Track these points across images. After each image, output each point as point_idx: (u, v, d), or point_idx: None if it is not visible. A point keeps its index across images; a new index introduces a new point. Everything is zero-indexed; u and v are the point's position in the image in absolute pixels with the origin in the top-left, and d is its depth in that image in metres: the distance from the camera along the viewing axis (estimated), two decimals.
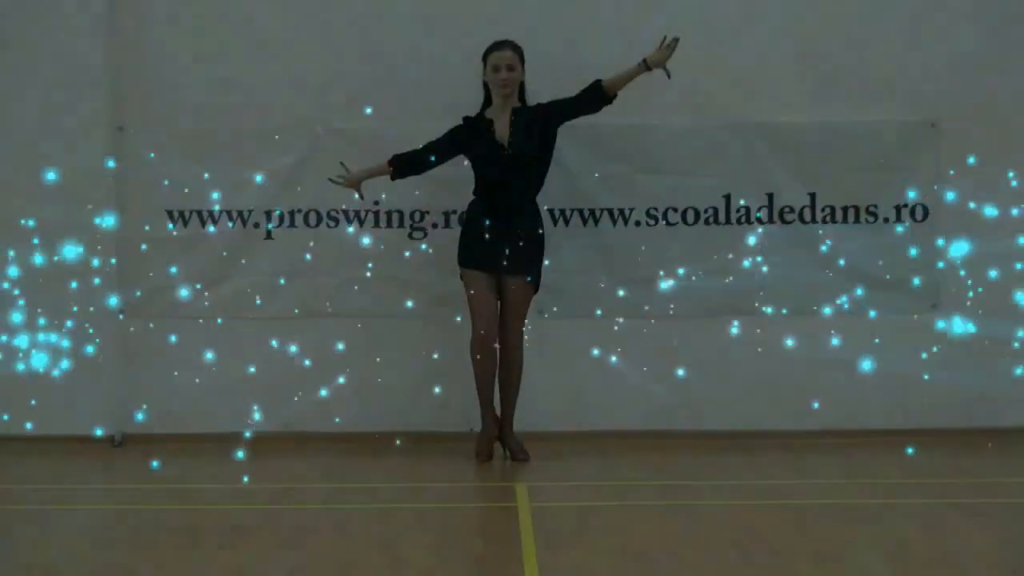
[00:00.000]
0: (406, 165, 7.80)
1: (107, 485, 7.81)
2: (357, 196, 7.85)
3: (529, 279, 7.79)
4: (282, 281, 8.69)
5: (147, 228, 8.67)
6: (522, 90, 7.78)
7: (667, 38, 7.58)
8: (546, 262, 8.00)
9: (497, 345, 7.81)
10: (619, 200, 8.62)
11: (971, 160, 8.68)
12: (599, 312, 8.39)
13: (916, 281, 8.73)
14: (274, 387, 8.73)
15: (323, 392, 8.72)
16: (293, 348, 8.74)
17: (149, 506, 7.29)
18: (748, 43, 8.62)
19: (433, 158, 7.77)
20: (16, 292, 8.56)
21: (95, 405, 8.67)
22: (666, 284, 8.72)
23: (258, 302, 8.70)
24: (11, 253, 8.55)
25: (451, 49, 8.20)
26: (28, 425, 8.63)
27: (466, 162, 7.96)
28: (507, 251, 7.68)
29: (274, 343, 8.73)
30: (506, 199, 7.73)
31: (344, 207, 8.58)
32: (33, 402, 8.61)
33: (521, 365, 7.91)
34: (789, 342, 8.74)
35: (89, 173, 8.60)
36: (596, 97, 7.65)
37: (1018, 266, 8.71)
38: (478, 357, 7.74)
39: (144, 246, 8.68)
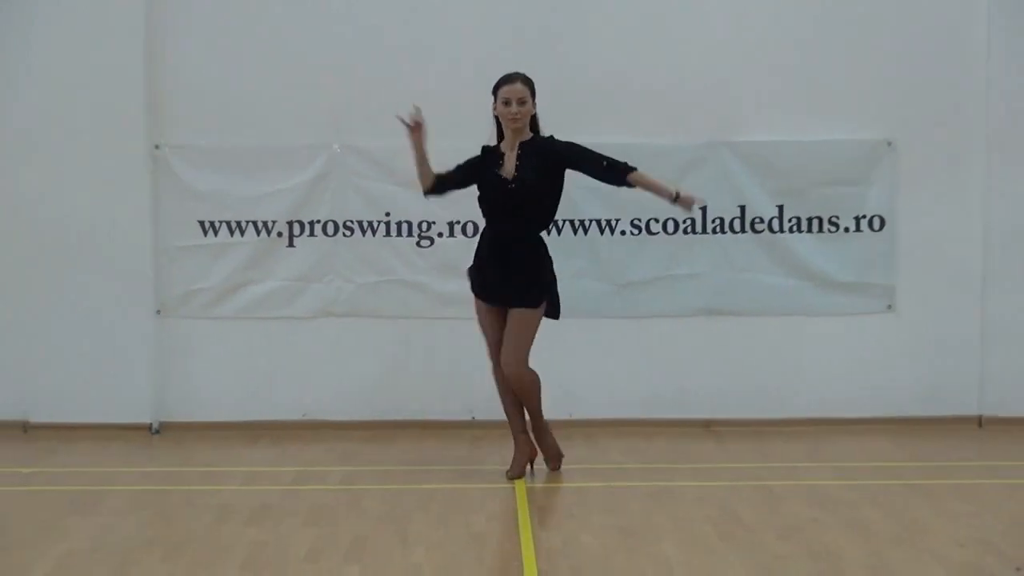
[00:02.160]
0: (434, 187, 7.11)
1: (146, 468, 7.79)
2: (409, 128, 6.90)
3: (524, 308, 6.96)
4: (302, 285, 8.70)
5: (181, 237, 8.69)
6: (535, 122, 7.02)
7: (700, 201, 7.16)
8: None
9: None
10: (606, 211, 8.63)
11: (923, 175, 8.70)
12: (589, 312, 8.38)
13: (874, 285, 8.75)
14: (294, 380, 8.76)
15: (338, 385, 8.73)
16: (312, 345, 8.75)
17: (183, 487, 7.30)
18: (722, 72, 8.64)
19: (451, 180, 7.13)
20: (63, 296, 8.56)
21: (134, 396, 8.67)
22: (649, 287, 8.73)
23: (281, 304, 8.72)
24: (60, 262, 8.56)
25: (461, 71, 8.19)
26: (75, 414, 8.64)
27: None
28: (500, 284, 7.01)
29: (295, 341, 8.74)
30: (507, 232, 6.99)
31: (359, 219, 8.60)
32: (78, 394, 8.63)
33: (528, 388, 7.02)
34: (760, 340, 8.75)
35: (129, 187, 8.61)
36: (619, 179, 7.00)
37: (966, 272, 8.71)
38: (499, 388, 7.17)
39: (178, 253, 8.71)
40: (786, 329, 8.75)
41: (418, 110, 6.84)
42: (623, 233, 8.70)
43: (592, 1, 8.59)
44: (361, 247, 8.68)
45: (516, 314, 6.93)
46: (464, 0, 8.43)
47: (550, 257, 7.10)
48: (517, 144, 6.91)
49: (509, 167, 6.89)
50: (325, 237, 8.68)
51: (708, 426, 8.73)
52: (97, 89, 8.53)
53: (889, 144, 8.70)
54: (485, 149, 7.09)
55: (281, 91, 8.65)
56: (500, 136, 7.02)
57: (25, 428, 8.69)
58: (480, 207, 7.10)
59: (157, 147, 8.66)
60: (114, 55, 8.52)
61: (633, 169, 6.93)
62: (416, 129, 6.88)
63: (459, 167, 7.11)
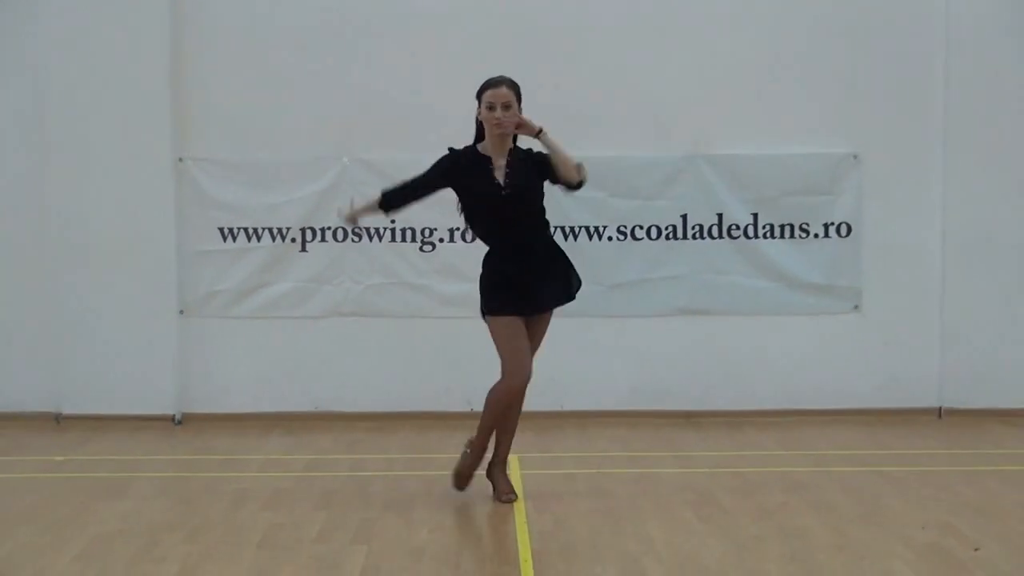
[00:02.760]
0: (393, 197, 6.18)
1: (169, 457, 7.79)
2: (352, 229, 6.92)
3: (563, 299, 6.22)
4: (314, 287, 8.70)
5: (202, 243, 8.68)
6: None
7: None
8: None
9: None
10: (595, 219, 8.64)
11: (886, 185, 8.70)
12: (578, 312, 8.37)
13: (841, 287, 8.75)
14: (306, 375, 8.75)
15: (347, 379, 8.72)
16: (323, 343, 8.73)
17: (204, 473, 7.29)
18: (702, 90, 8.65)
19: (415, 193, 6.17)
20: (93, 297, 8.55)
21: (159, 390, 8.65)
22: (633, 289, 8.73)
23: (294, 304, 8.72)
24: (91, 265, 8.56)
25: (459, 89, 8.17)
26: (104, 406, 8.62)
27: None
28: (535, 287, 6.04)
29: (307, 338, 8.73)
30: (519, 238, 6.01)
31: (366, 226, 8.58)
32: (107, 387, 8.61)
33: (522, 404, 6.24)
34: (736, 337, 8.75)
35: (155, 196, 8.61)
36: (570, 178, 6.03)
37: (926, 275, 8.72)
38: (503, 408, 6.08)
39: (200, 257, 8.70)
40: (760, 327, 8.75)
41: (349, 212, 6.41)
42: (610, 239, 8.71)
43: (583, 27, 8.58)
44: (368, 252, 8.68)
45: (547, 318, 6.19)
46: (461, 25, 8.42)
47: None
48: (505, 151, 5.99)
49: (499, 174, 5.96)
50: (335, 243, 8.67)
51: (689, 417, 8.71)
52: (126, 107, 8.53)
53: (855, 157, 8.71)
54: (456, 153, 6.08)
55: (294, 109, 8.65)
56: (478, 140, 6.06)
57: (58, 419, 8.67)
58: (472, 220, 6.16)
59: (181, 160, 8.65)
60: (141, 76, 8.52)
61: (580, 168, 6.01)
62: (350, 219, 6.46)
63: (428, 174, 6.10)
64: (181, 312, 8.71)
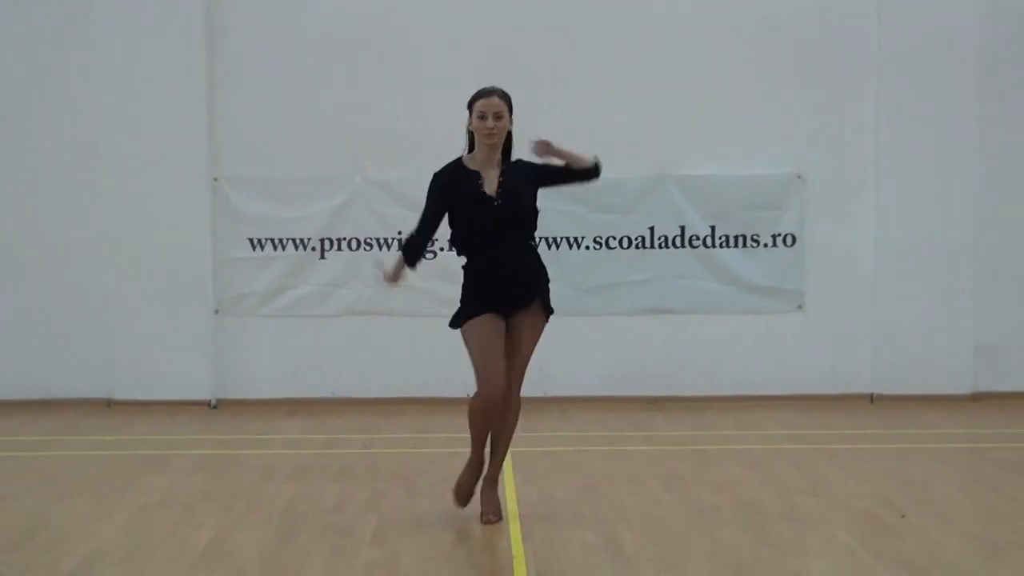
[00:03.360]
0: (413, 252, 5.34)
1: (205, 436, 7.78)
2: (395, 288, 5.62)
3: (542, 310, 5.33)
4: (331, 289, 8.71)
5: (234, 251, 8.68)
6: (509, 139, 5.22)
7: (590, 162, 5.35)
8: None
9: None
10: (574, 231, 8.66)
11: (826, 201, 8.73)
12: (560, 312, 8.35)
13: (787, 289, 8.77)
14: (324, 366, 8.76)
15: (359, 369, 8.72)
16: (338, 337, 8.73)
17: (235, 451, 7.29)
18: (667, 119, 8.68)
19: (428, 234, 5.31)
20: (139, 298, 8.54)
21: (196, 378, 8.65)
22: (608, 291, 8.74)
23: (314, 305, 8.72)
24: (138, 270, 8.54)
25: (463, 114, 8.17)
26: (148, 393, 8.63)
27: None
28: (510, 291, 5.17)
29: (325, 334, 8.74)
30: (503, 251, 5.13)
31: (376, 236, 8.59)
32: (152, 376, 8.61)
33: (518, 416, 5.37)
34: (696, 333, 8.76)
35: (193, 211, 8.63)
36: (584, 176, 5.35)
37: (860, 278, 8.74)
38: (480, 419, 5.19)
39: (232, 264, 8.71)
40: (717, 324, 8.77)
41: (389, 271, 5.43)
42: (587, 248, 8.72)
43: (570, 64, 8.61)
44: (379, 259, 8.65)
45: (528, 326, 5.25)
46: (462, 59, 8.40)
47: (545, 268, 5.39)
48: (497, 162, 5.17)
49: (490, 186, 5.12)
50: (349, 251, 8.68)
51: (655, 402, 8.72)
52: (168, 134, 8.53)
53: (799, 177, 8.72)
54: (442, 175, 5.24)
55: (313, 135, 8.66)
56: (470, 151, 5.24)
57: (108, 404, 8.66)
58: (460, 231, 5.26)
59: (215, 180, 8.65)
60: (181, 107, 8.54)
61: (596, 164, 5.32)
62: (391, 281, 5.43)
63: (427, 211, 5.27)
64: (216, 311, 8.70)
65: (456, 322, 5.26)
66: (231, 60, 8.63)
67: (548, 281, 5.36)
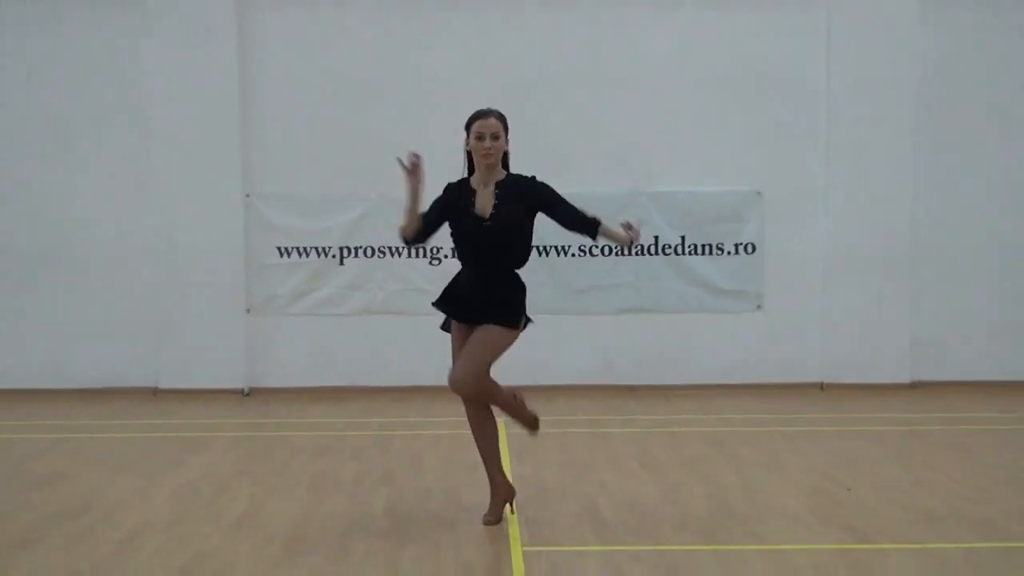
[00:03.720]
0: (422, 234, 4.85)
1: (240, 420, 7.78)
2: (407, 171, 4.78)
3: (493, 321, 4.72)
4: (349, 292, 8.71)
5: (264, 258, 8.69)
6: (506, 158, 4.84)
7: (633, 242, 4.92)
8: None
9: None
10: (562, 240, 8.60)
11: (782, 215, 8.75)
12: (548, 311, 8.35)
13: (747, 291, 8.79)
14: (344, 357, 8.75)
15: (374, 360, 8.72)
16: (356, 334, 8.73)
17: (266, 433, 7.29)
18: (643, 141, 8.67)
19: (427, 232, 4.87)
20: (182, 299, 8.55)
21: (232, 369, 8.65)
22: (591, 292, 8.75)
23: (334, 305, 8.72)
24: (181, 274, 8.54)
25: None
26: (190, 382, 8.62)
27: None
28: (475, 304, 4.73)
29: (344, 330, 8.73)
30: (485, 268, 4.75)
31: (389, 246, 8.60)
32: (193, 367, 8.62)
33: (485, 393, 4.87)
34: (668, 329, 8.77)
35: (229, 223, 8.62)
36: (591, 232, 4.91)
37: (811, 282, 8.75)
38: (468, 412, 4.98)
39: (262, 270, 8.71)
40: (686, 322, 8.77)
41: (418, 156, 4.82)
42: (574, 255, 8.73)
43: (560, 98, 8.57)
44: (391, 265, 8.68)
45: (482, 329, 4.75)
46: (464, 86, 8.31)
47: (523, 285, 4.89)
48: (493, 182, 4.76)
49: (484, 205, 4.73)
50: (365, 258, 8.67)
51: (632, 390, 8.71)
52: (207, 155, 8.53)
53: (758, 193, 8.74)
54: (450, 186, 4.91)
55: (334, 156, 8.65)
56: (471, 171, 4.87)
57: (155, 392, 8.64)
58: (453, 239, 4.91)
59: (248, 196, 8.64)
60: (218, 131, 8.54)
61: (599, 223, 4.91)
62: (414, 172, 4.77)
63: (431, 210, 4.88)
64: (248, 311, 8.69)
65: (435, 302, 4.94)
66: (262, 93, 8.62)
67: (514, 302, 4.79)
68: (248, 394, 8.67)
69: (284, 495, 5.47)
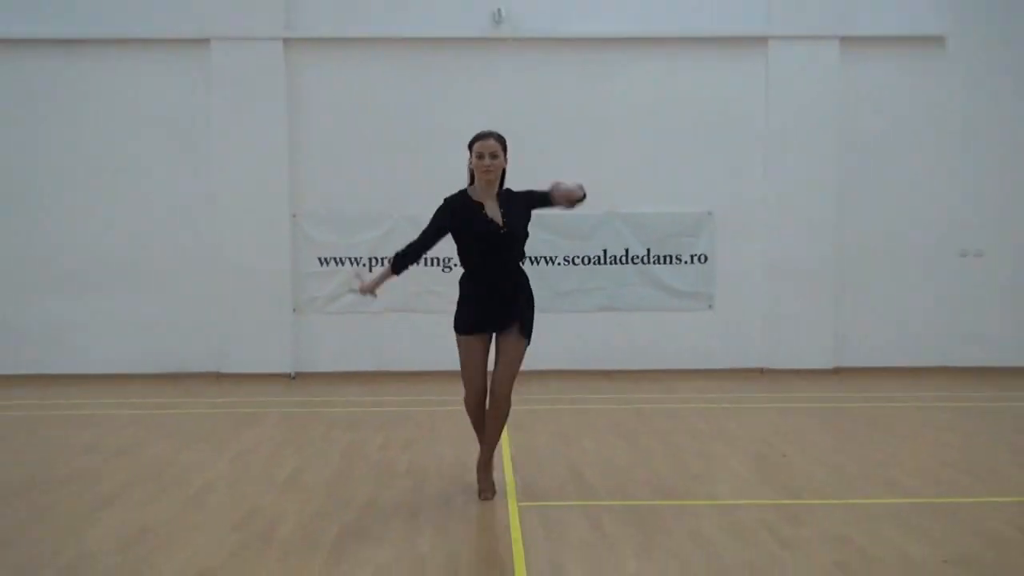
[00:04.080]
0: (404, 260, 4.70)
1: (286, 399, 7.78)
2: (370, 297, 4.89)
3: (521, 331, 4.58)
4: (377, 295, 8.66)
5: (307, 267, 8.68)
6: (503, 175, 4.57)
7: (580, 193, 4.68)
8: None
9: (487, 403, 4.66)
10: (550, 252, 8.67)
11: (730, 231, 8.75)
12: (539, 310, 8.35)
13: (701, 293, 8.80)
14: (371, 347, 8.74)
15: (398, 348, 8.72)
16: (383, 328, 8.73)
17: (307, 410, 7.28)
18: (617, 169, 8.64)
19: (425, 246, 4.66)
20: (241, 300, 8.55)
21: (281, 356, 8.64)
22: (573, 294, 8.75)
23: (364, 305, 8.61)
24: (240, 279, 8.54)
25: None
26: (248, 367, 8.60)
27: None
28: (501, 310, 4.53)
29: (373, 325, 8.72)
30: (500, 270, 4.53)
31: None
32: (250, 354, 8.61)
33: (506, 414, 4.63)
34: (636, 325, 8.77)
35: (278, 239, 8.60)
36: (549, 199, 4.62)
37: (753, 285, 8.76)
38: (468, 411, 4.74)
39: (305, 276, 8.70)
40: (651, 319, 8.75)
41: (360, 279, 4.82)
42: (559, 264, 8.72)
43: (549, 134, 8.52)
44: (410, 273, 8.49)
45: (513, 340, 4.55)
46: (472, 122, 8.43)
47: (531, 293, 4.70)
48: (494, 195, 4.51)
49: (495, 214, 4.47)
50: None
51: (607, 374, 8.70)
52: (261, 184, 8.53)
53: (710, 213, 8.74)
54: (452, 203, 4.56)
55: (363, 182, 8.64)
56: (471, 183, 4.58)
57: (218, 376, 8.63)
58: (464, 254, 4.58)
59: (294, 216, 8.63)
60: (270, 165, 8.52)
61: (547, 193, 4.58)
62: (364, 290, 4.79)
63: (429, 229, 4.62)
64: (294, 310, 8.68)
65: (459, 327, 4.61)
66: (305, 134, 8.60)
67: (532, 307, 4.63)
68: (294, 378, 8.67)
69: (323, 460, 5.48)
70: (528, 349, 4.61)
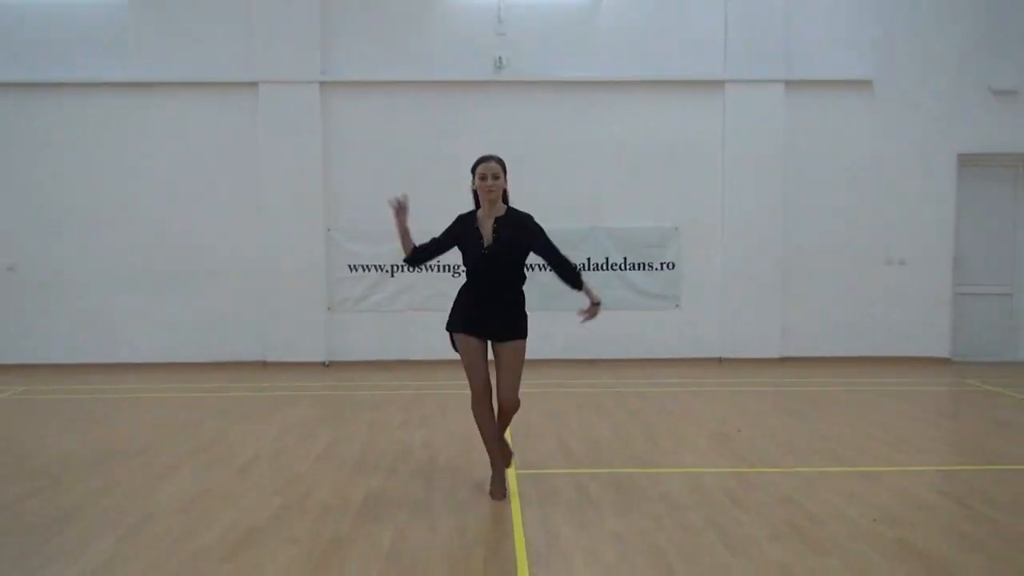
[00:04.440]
0: (419, 251, 4.36)
1: (321, 383, 7.75)
2: (395, 211, 4.33)
3: (517, 341, 4.19)
4: (398, 295, 8.66)
5: (339, 272, 8.64)
6: (505, 195, 4.27)
7: (596, 310, 4.40)
8: None
9: (494, 402, 4.17)
10: (541, 260, 8.60)
11: (692, 244, 8.72)
12: (531, 308, 8.33)
13: (670, 295, 8.76)
14: (393, 340, 8.68)
15: (415, 340, 8.67)
16: (403, 323, 8.68)
17: (339, 393, 7.25)
18: (597, 192, 8.65)
19: (439, 245, 4.33)
20: (284, 302, 8.51)
21: (317, 346, 8.59)
22: (561, 296, 8.63)
23: (387, 304, 8.66)
24: (282, 282, 8.49)
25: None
26: (290, 355, 8.54)
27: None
28: (490, 321, 4.14)
29: (395, 321, 8.68)
30: (488, 286, 4.15)
31: (429, 264, 8.50)
32: (292, 344, 8.54)
33: (514, 411, 4.20)
34: (616, 322, 8.71)
35: (314, 251, 8.54)
36: (575, 282, 4.37)
37: (713, 286, 8.72)
38: (476, 413, 4.12)
39: (338, 281, 8.64)
40: (628, 316, 8.70)
41: (405, 196, 4.37)
42: (550, 270, 8.64)
43: (541, 156, 8.53)
44: (425, 278, 8.60)
45: (509, 346, 4.15)
46: (477, 148, 8.43)
47: (524, 308, 4.34)
48: (494, 215, 4.18)
49: (486, 235, 4.16)
50: (408, 273, 8.60)
51: (591, 362, 8.68)
52: (300, 201, 8.48)
53: (676, 228, 8.71)
54: (463, 218, 4.29)
55: (383, 199, 8.58)
56: (477, 206, 4.30)
57: (264, 364, 8.59)
58: (464, 264, 4.26)
59: (329, 230, 8.60)
60: (307, 185, 8.47)
61: (580, 277, 4.35)
62: (400, 211, 4.32)
63: (442, 236, 4.35)
64: (328, 308, 8.63)
65: (448, 326, 4.25)
66: (339, 159, 8.55)
67: (525, 317, 4.27)
68: (328, 365, 8.62)
69: (351, 435, 5.46)
70: (526, 346, 4.20)
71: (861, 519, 3.82)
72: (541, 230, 4.23)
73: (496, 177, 4.15)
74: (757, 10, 8.52)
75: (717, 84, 8.58)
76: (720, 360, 8.76)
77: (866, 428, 5.60)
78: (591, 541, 3.59)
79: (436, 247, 4.31)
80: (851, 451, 4.98)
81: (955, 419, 6.08)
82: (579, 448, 5.08)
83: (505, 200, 4.24)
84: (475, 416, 4.13)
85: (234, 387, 7.47)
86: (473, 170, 4.21)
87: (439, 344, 8.50)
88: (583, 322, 4.33)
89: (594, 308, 4.30)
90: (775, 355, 8.71)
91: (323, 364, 8.61)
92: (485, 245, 4.11)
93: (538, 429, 5.56)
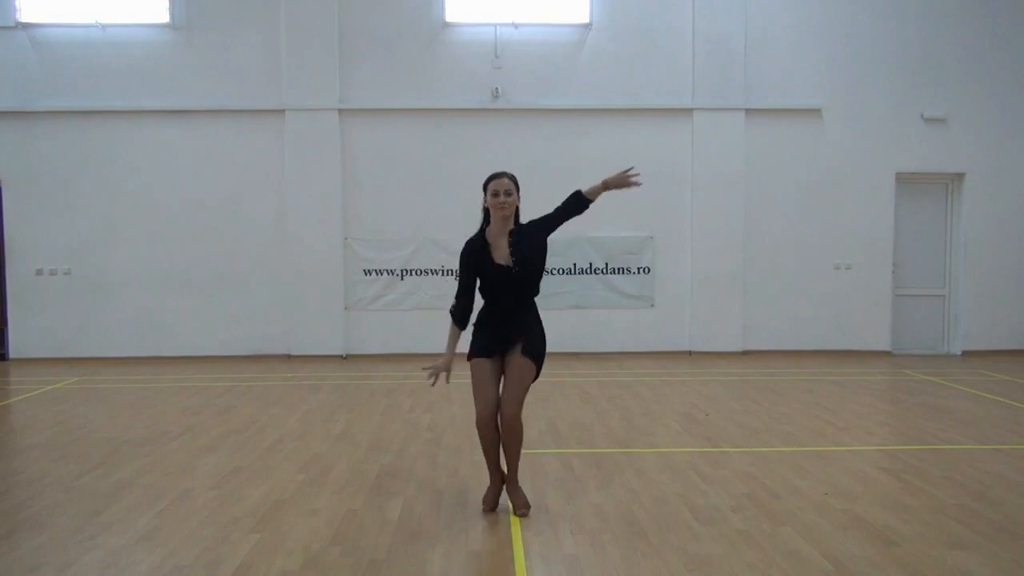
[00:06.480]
0: (462, 314, 3.68)
1: (340, 373, 7.72)
2: (444, 376, 3.73)
3: (527, 355, 3.55)
4: (407, 296, 8.62)
5: (355, 276, 8.59)
6: (517, 212, 3.71)
7: (631, 169, 3.99)
8: None
9: (498, 423, 3.48)
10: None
11: (666, 250, 8.71)
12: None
13: (646, 296, 8.76)
14: (402, 335, 8.62)
15: (421, 335, 8.62)
16: (411, 320, 8.62)
17: (356, 382, 7.22)
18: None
19: (468, 292, 3.64)
20: (306, 301, 8.47)
21: (337, 342, 8.55)
22: (553, 296, 8.66)
23: (397, 304, 8.61)
24: (305, 284, 8.45)
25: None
26: (311, 349, 8.49)
27: None
28: (508, 335, 3.59)
29: (404, 319, 8.63)
30: (509, 304, 3.59)
31: (431, 268, 8.52)
32: (313, 339, 8.50)
33: (518, 433, 3.47)
34: (598, 319, 8.73)
35: (334, 254, 8.50)
36: (579, 203, 3.91)
37: (683, 288, 8.72)
38: (481, 433, 3.48)
39: (353, 283, 8.59)
40: (609, 314, 8.69)
41: (435, 372, 3.69)
42: (547, 274, 8.63)
43: (533, 174, 8.41)
44: (431, 280, 8.58)
45: (519, 361, 3.52)
46: (483, 166, 8.41)
47: (542, 328, 3.71)
48: (506, 232, 3.61)
49: (503, 254, 3.57)
50: (416, 276, 8.58)
51: (576, 355, 8.64)
52: (320, 213, 8.43)
53: (651, 237, 8.71)
54: (470, 245, 3.65)
55: (399, 214, 8.58)
56: (486, 223, 3.67)
57: (289, 357, 8.55)
58: (481, 290, 3.63)
59: (346, 238, 8.56)
60: (327, 199, 8.42)
61: (580, 190, 3.96)
62: (440, 370, 3.68)
63: (464, 278, 3.65)
64: (346, 308, 8.59)
65: (468, 354, 3.65)
66: (355, 177, 8.52)
67: (543, 338, 3.67)
68: (346, 358, 8.58)
69: (366, 418, 5.45)
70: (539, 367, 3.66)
71: (813, 492, 3.83)
72: (540, 221, 3.67)
73: (509, 193, 3.57)
74: (721, 48, 8.56)
75: (686, 112, 8.60)
76: (690, 353, 8.75)
77: (817, 412, 5.61)
78: (576, 511, 3.59)
79: (465, 294, 3.61)
80: (804, 433, 4.99)
81: (895, 404, 6.10)
82: (565, 429, 5.08)
83: (517, 217, 3.65)
84: (480, 435, 3.49)
85: (263, 377, 7.44)
86: (485, 187, 3.59)
87: (442, 339, 8.55)
88: (634, 179, 3.81)
89: (622, 176, 3.79)
90: (738, 348, 8.70)
91: (341, 357, 8.58)
92: (507, 265, 3.52)
93: (528, 413, 5.55)
